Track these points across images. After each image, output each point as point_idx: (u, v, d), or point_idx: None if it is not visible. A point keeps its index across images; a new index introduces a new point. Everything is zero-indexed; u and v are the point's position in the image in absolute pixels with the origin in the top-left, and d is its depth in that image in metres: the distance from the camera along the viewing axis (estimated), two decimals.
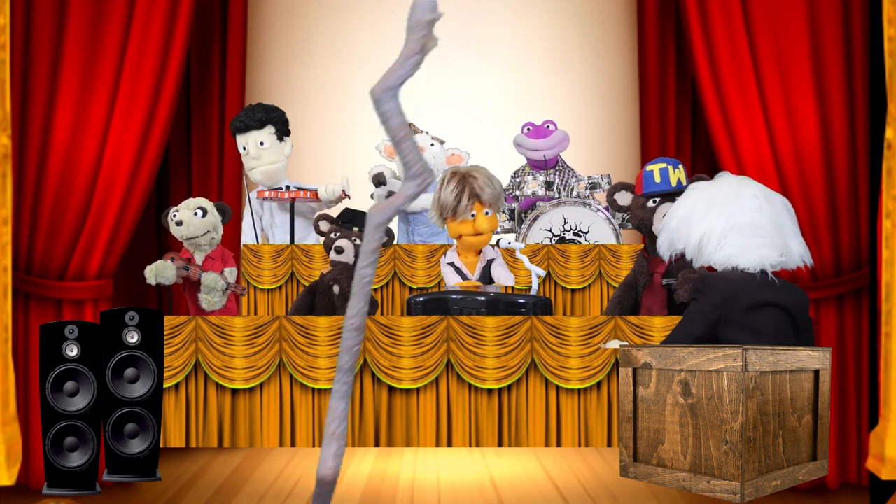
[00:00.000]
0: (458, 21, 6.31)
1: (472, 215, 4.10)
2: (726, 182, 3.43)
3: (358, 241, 4.14)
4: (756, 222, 3.29)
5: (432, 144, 5.15)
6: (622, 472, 3.18)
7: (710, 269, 3.37)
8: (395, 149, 1.84)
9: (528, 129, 5.40)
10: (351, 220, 4.26)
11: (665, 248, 3.47)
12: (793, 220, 3.43)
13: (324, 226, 4.28)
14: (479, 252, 4.23)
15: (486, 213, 4.13)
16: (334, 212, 4.64)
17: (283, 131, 5.16)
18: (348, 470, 4.48)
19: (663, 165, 4.06)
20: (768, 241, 3.27)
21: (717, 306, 3.21)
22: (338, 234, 4.16)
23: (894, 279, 3.75)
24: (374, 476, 4.37)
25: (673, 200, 3.78)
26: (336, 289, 4.00)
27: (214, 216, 4.28)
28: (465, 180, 4.10)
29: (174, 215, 4.28)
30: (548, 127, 5.36)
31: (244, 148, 5.10)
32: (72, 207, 4.07)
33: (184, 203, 4.32)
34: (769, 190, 3.45)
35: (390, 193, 5.06)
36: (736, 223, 3.28)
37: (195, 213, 4.24)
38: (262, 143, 5.08)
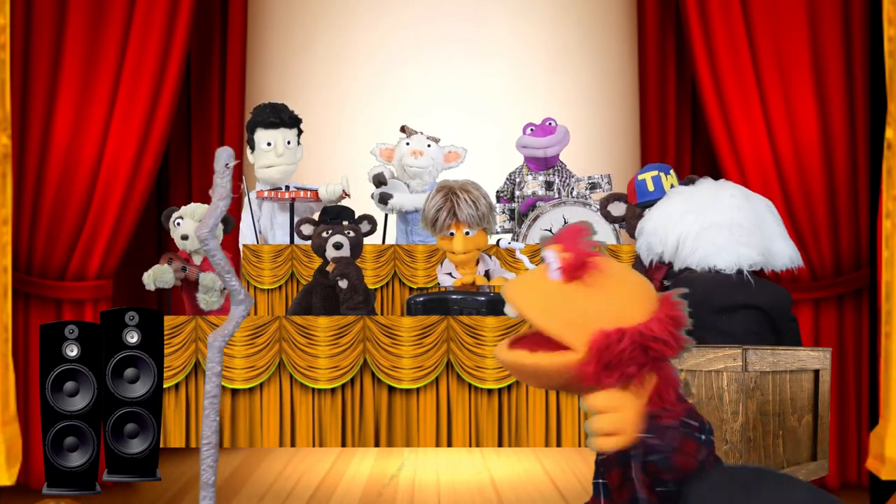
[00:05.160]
0: (458, 21, 6.30)
1: (451, 234, 4.01)
2: (705, 186, 3.42)
3: (352, 234, 4.14)
4: (734, 221, 3.26)
5: (429, 146, 5.13)
6: None
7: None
8: (223, 280, 2.21)
9: (531, 129, 5.38)
10: (338, 216, 4.24)
11: (644, 252, 3.44)
12: (777, 221, 3.39)
13: (307, 229, 4.24)
14: (477, 262, 4.17)
15: (467, 233, 4.02)
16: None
17: (300, 134, 5.18)
18: (348, 470, 4.48)
19: (655, 173, 4.04)
20: (746, 239, 3.23)
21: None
22: (329, 231, 4.13)
23: (894, 279, 3.75)
24: (374, 476, 4.37)
25: None
26: (344, 283, 4.00)
27: (218, 228, 4.24)
28: (448, 196, 4.01)
29: (178, 223, 4.21)
30: (549, 124, 5.35)
31: (269, 144, 5.06)
32: (72, 207, 4.07)
33: (189, 210, 4.24)
34: (749, 191, 3.42)
35: (388, 194, 5.05)
36: (713, 222, 3.24)
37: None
38: (289, 143, 5.07)
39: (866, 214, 4.05)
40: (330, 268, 4.10)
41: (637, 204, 4.04)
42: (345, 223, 4.19)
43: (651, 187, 3.99)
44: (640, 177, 4.05)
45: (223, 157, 2.14)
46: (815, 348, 3.14)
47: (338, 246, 4.08)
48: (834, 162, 4.10)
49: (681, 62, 5.41)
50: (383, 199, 5.04)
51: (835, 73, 4.11)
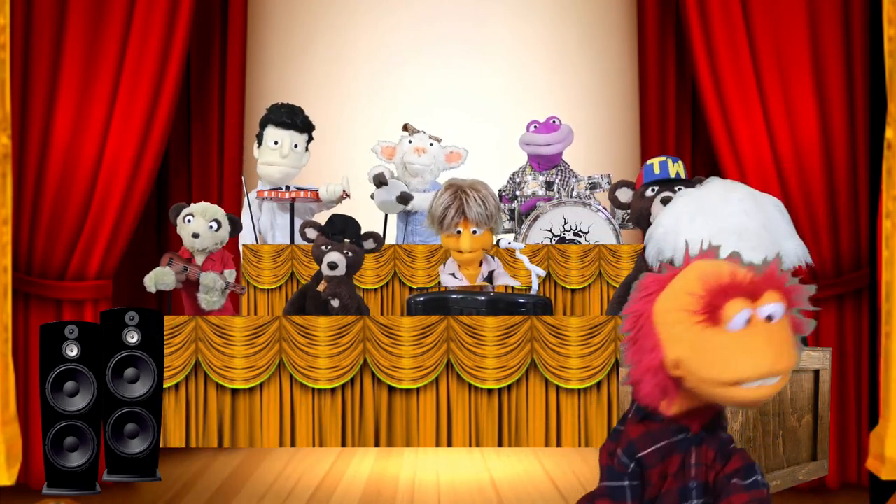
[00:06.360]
0: (458, 21, 6.30)
1: (458, 232, 4.00)
2: (713, 187, 3.41)
3: (350, 254, 4.04)
4: (743, 226, 3.26)
5: (431, 145, 5.13)
6: None
7: None
8: None
9: (535, 126, 5.39)
10: (342, 231, 4.13)
11: (653, 257, 3.44)
12: (787, 220, 3.40)
13: (311, 233, 4.19)
14: (481, 263, 4.16)
15: (474, 232, 4.01)
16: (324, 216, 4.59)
17: (310, 141, 5.19)
18: (348, 470, 4.48)
19: (662, 159, 4.05)
20: (754, 244, 3.23)
21: None
22: (328, 246, 4.04)
23: (894, 279, 3.75)
24: (374, 476, 4.37)
25: (671, 190, 3.77)
26: (336, 303, 3.94)
27: (226, 229, 4.19)
28: (457, 194, 4.00)
29: (189, 220, 4.15)
30: (553, 122, 5.36)
31: (276, 142, 5.06)
32: (72, 207, 4.07)
33: (200, 209, 4.16)
34: (758, 192, 3.42)
35: (410, 194, 5.04)
36: (722, 228, 3.25)
37: (210, 227, 4.14)
38: (296, 146, 5.09)
39: (866, 214, 4.05)
40: (321, 287, 4.04)
41: (642, 185, 4.03)
42: (347, 241, 4.07)
43: (657, 170, 3.99)
44: (649, 161, 4.06)
45: None
46: (815, 348, 3.15)
47: (332, 266, 3.98)
48: (834, 162, 4.10)
49: (681, 62, 5.40)
50: (404, 199, 5.00)
51: (835, 73, 4.11)
